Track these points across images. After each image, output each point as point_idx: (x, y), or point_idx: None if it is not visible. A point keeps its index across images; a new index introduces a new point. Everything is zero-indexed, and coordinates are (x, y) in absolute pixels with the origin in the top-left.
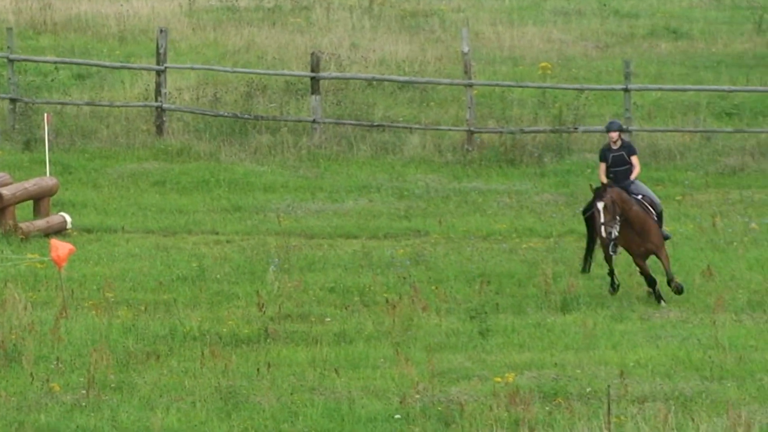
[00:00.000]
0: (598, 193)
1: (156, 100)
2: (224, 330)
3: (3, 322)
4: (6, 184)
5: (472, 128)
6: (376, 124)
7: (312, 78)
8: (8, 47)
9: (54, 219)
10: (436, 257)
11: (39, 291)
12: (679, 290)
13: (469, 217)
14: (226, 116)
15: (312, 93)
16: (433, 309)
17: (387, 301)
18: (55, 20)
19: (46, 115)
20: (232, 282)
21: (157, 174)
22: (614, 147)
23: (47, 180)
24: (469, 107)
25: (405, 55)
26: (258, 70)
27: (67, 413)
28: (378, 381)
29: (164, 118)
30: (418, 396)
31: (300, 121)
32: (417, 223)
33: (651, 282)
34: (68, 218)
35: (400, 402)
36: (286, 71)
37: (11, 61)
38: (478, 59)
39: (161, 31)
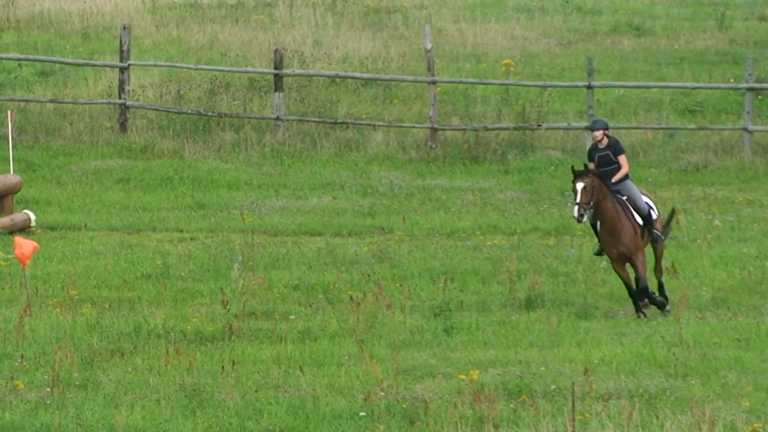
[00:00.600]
0: (580, 174)
1: (119, 98)
2: (189, 327)
3: None
4: None
5: (435, 125)
6: (339, 121)
7: (275, 75)
8: None
9: (18, 216)
10: (400, 254)
11: (3, 289)
12: (657, 304)
13: (433, 215)
14: (190, 113)
15: (275, 90)
16: (398, 306)
17: (351, 298)
18: (18, 17)
19: (9, 112)
20: (196, 279)
21: (121, 171)
22: (600, 146)
23: (11, 177)
24: (433, 104)
25: (368, 52)
26: (221, 67)
27: (31, 411)
28: (342, 378)
29: (128, 116)
30: (382, 393)
31: (263, 119)
32: (381, 221)
33: (630, 293)
34: (32, 216)
35: (365, 399)
36: (249, 68)
37: None
38: (441, 56)
39: (124, 28)
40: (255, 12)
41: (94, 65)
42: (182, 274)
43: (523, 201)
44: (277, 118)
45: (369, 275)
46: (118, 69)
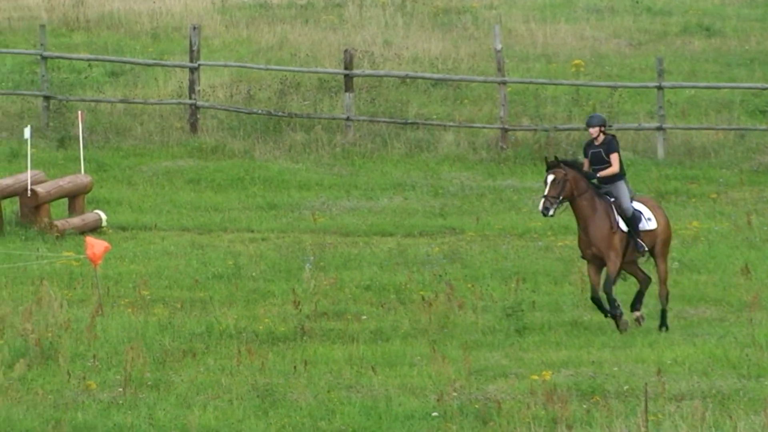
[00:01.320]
0: (552, 165)
1: (190, 98)
2: (260, 328)
3: (39, 319)
4: (41, 182)
5: (506, 126)
6: (410, 121)
7: (345, 75)
8: (41, 44)
9: (89, 217)
10: (471, 255)
11: (75, 289)
12: (613, 315)
13: (504, 215)
14: (260, 114)
15: (346, 90)
16: (470, 307)
17: (423, 298)
18: (88, 17)
19: (79, 112)
20: (267, 280)
21: (192, 172)
22: (596, 143)
23: (82, 177)
24: (503, 105)
25: (438, 53)
26: (291, 68)
27: (103, 411)
28: (415, 379)
29: (198, 116)
30: (455, 394)
31: (334, 119)
32: (452, 221)
33: (592, 298)
34: (103, 216)
35: (437, 400)
36: (319, 69)
37: (44, 58)
38: (511, 56)
39: (194, 28)
40: (324, 12)
41: (164, 65)
42: (254, 274)
43: None
44: (348, 119)
45: (440, 275)
46: (188, 69)
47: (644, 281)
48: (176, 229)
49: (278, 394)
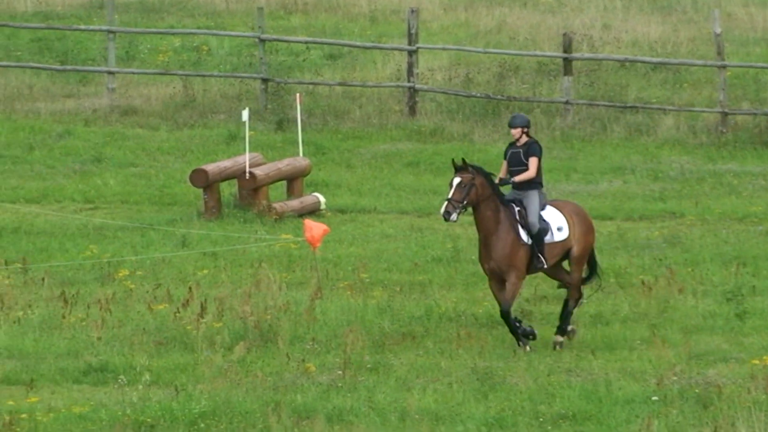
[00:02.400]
0: (459, 168)
1: (408, 81)
2: (480, 311)
3: (258, 302)
4: (259, 165)
5: (726, 110)
6: (629, 105)
7: (564, 59)
8: (259, 27)
9: (307, 199)
10: (691, 239)
11: (294, 271)
12: (516, 335)
13: (725, 199)
14: (479, 97)
15: (564, 74)
16: (690, 291)
17: (643, 282)
18: (306, 0)
19: (297, 95)
20: None
21: (411, 155)
22: (517, 144)
23: (300, 160)
24: (723, 89)
25: (657, 36)
26: (510, 51)
27: (323, 394)
28: (634, 363)
29: (416, 99)
30: (675, 378)
31: (552, 102)
32: (672, 205)
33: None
34: (322, 198)
35: (657, 384)
36: (538, 52)
37: (262, 41)
38: (730, 40)
39: (412, 11)
40: None
41: (382, 48)
42: (473, 257)
43: None
44: (567, 102)
45: (660, 260)
46: (406, 52)
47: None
48: (395, 212)
49: (497, 378)
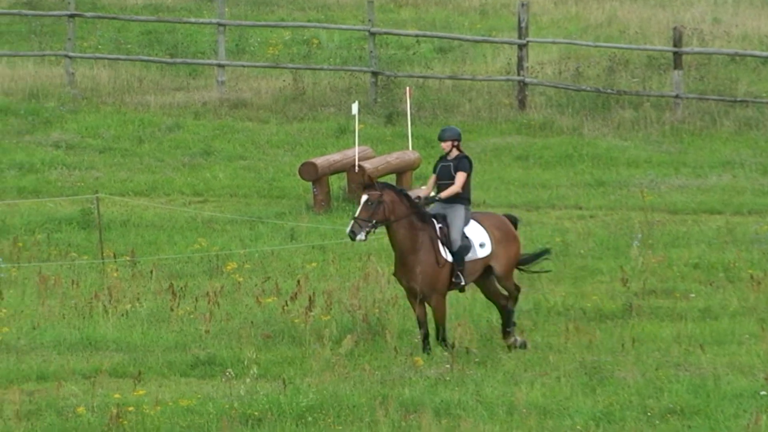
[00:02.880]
0: (366, 186)
1: (518, 75)
2: (588, 305)
3: (366, 295)
4: (368, 158)
5: None
6: (739, 99)
7: (674, 53)
8: (369, 20)
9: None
10: None
11: None
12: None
13: None
14: (589, 91)
15: (674, 68)
16: None
17: (752, 277)
18: None
19: (407, 88)
20: (595, 257)
21: (520, 148)
22: (448, 158)
23: (409, 154)
24: None
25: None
26: (620, 45)
27: (430, 387)
28: (743, 357)
29: (526, 93)
30: None
31: (662, 96)
32: None
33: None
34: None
35: (766, 379)
36: (648, 46)
37: (372, 34)
38: None
39: (523, 4)
40: None
41: (492, 42)
42: (581, 251)
43: None
44: (677, 96)
45: None
46: (516, 46)
47: (505, 305)
48: (504, 205)
49: (606, 372)
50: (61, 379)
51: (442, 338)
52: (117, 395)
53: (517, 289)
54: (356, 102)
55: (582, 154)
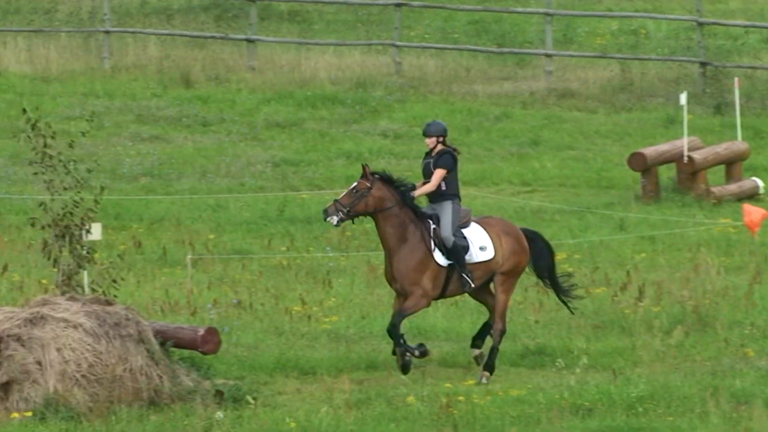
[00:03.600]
0: (362, 174)
1: None
2: None
3: (696, 286)
4: (697, 149)
5: None
6: None
7: None
8: (697, 10)
9: (746, 183)
10: None
11: (732, 256)
12: (402, 358)
13: None
14: None
15: None
16: None
17: None
18: None
19: (736, 79)
20: None
21: None
22: (432, 155)
23: (738, 144)
24: None
25: None
26: None
27: (761, 379)
28: None
29: None
30: None
31: None
32: None
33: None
34: (760, 183)
35: None
36: None
37: (700, 24)
38: None
39: None
40: None
41: None
42: None
43: None
44: None
45: None
46: None
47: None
48: None
49: None
50: (391, 369)
51: (395, 322)
52: (447, 384)
53: (504, 326)
54: (684, 92)
55: None
